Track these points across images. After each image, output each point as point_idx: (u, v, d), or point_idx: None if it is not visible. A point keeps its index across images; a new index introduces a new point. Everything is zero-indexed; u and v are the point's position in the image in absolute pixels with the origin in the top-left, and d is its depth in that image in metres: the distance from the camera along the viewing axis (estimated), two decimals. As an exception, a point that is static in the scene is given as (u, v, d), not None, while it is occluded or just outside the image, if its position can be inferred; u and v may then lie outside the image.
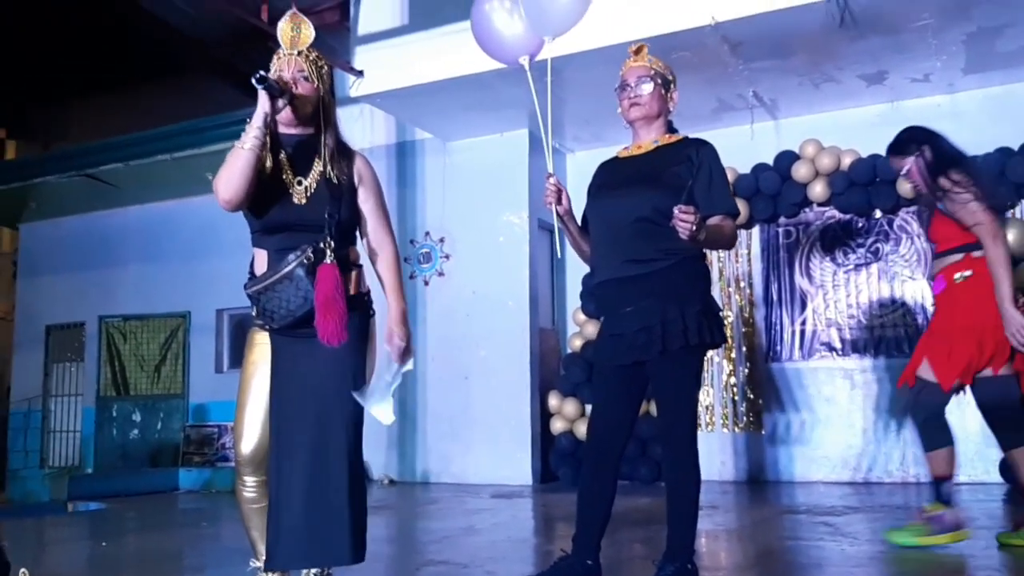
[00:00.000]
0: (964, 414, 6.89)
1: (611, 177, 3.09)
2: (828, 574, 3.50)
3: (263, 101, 2.53)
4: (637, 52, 3.11)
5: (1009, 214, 6.81)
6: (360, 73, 7.21)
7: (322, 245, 2.56)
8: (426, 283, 8.28)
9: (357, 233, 2.80)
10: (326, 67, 2.77)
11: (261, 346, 2.69)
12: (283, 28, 2.71)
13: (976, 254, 3.82)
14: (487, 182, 8.09)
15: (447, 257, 8.24)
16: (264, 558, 2.62)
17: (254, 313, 2.67)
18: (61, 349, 10.90)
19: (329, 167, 2.68)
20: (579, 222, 3.17)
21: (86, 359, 10.46)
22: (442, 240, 8.27)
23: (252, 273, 2.69)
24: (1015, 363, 3.87)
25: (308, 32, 2.73)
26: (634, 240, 2.89)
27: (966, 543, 3.94)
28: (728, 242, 2.95)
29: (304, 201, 2.63)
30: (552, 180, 3.03)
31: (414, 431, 8.17)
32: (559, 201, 3.02)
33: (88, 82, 11.11)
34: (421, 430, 8.11)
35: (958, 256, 3.88)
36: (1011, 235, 6.51)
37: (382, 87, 7.17)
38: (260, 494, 2.70)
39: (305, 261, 2.53)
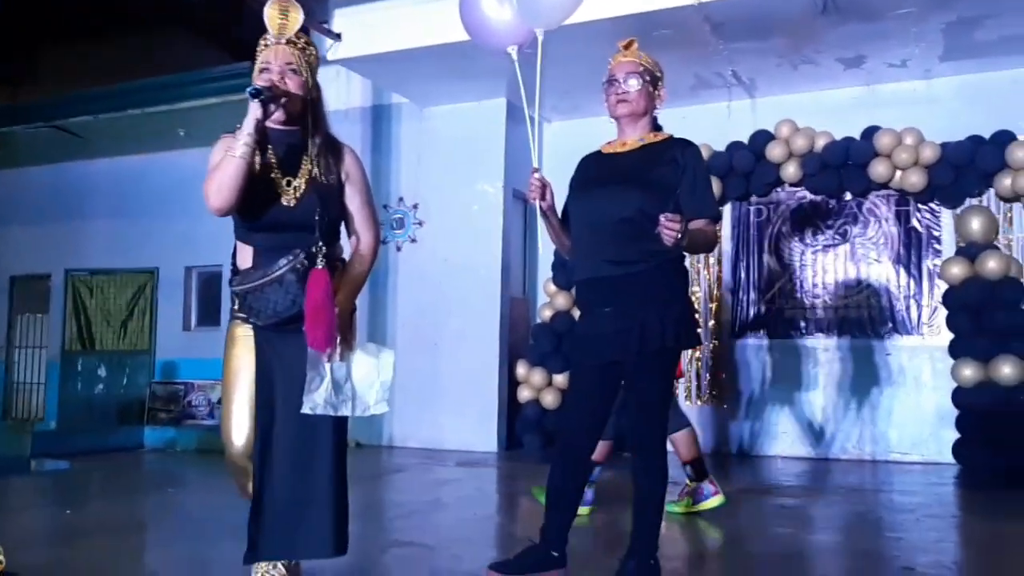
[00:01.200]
0: (920, 396, 7.10)
1: (595, 174, 3.06)
2: (788, 566, 3.60)
3: (255, 109, 2.48)
4: (627, 47, 3.07)
5: (976, 201, 6.92)
6: (338, 36, 7.10)
7: (313, 249, 2.55)
8: (398, 249, 8.27)
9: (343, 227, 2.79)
10: (315, 57, 2.70)
11: (244, 338, 2.66)
12: (270, 14, 2.61)
13: None
14: (463, 150, 8.05)
15: (420, 223, 8.21)
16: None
17: (236, 307, 2.65)
18: (26, 300, 10.76)
19: (318, 166, 2.65)
20: (560, 215, 3.14)
21: (51, 312, 10.35)
22: (415, 206, 8.24)
23: (235, 266, 2.67)
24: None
25: (296, 17, 2.62)
26: (616, 240, 2.89)
27: (919, 529, 4.06)
28: (709, 245, 2.99)
29: (293, 203, 2.60)
30: (537, 175, 3.00)
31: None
32: (543, 196, 2.99)
33: (61, 30, 10.82)
34: (390, 394, 8.14)
35: None
36: (977, 223, 6.66)
37: (360, 51, 7.08)
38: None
39: (298, 267, 2.52)
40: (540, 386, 7.70)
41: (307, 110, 2.65)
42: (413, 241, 8.22)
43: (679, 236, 2.60)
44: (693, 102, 7.76)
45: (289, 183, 2.61)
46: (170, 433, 8.28)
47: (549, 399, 7.67)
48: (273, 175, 2.60)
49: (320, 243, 2.55)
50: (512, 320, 8.11)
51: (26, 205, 10.51)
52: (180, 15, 9.35)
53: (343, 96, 8.44)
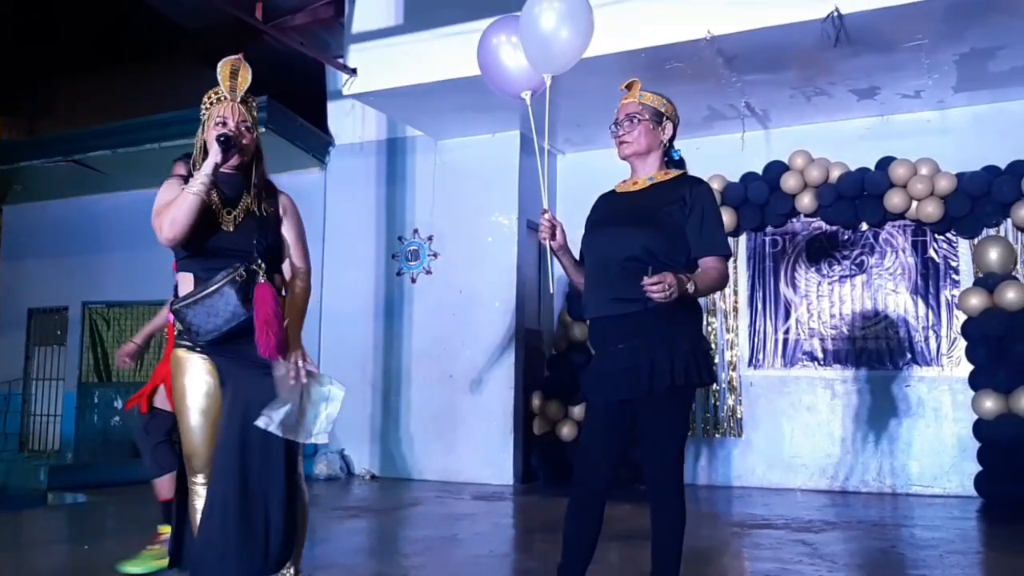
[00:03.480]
0: (941, 428, 7.02)
1: (606, 213, 3.09)
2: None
3: (216, 154, 2.75)
4: (628, 87, 3.10)
5: (994, 232, 6.89)
6: (353, 71, 7.17)
7: (254, 267, 2.77)
8: (413, 280, 8.29)
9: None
10: (256, 111, 2.97)
11: (190, 364, 2.83)
12: (222, 72, 2.87)
13: None
14: (477, 182, 8.09)
15: (435, 255, 8.23)
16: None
17: (179, 329, 2.82)
18: (43, 333, 10.82)
19: (256, 200, 2.92)
20: (576, 255, 3.15)
21: (68, 344, 10.40)
22: (430, 238, 8.27)
23: (175, 296, 2.89)
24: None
25: (246, 76, 2.90)
26: (624, 278, 2.88)
27: (942, 566, 4.00)
28: (720, 284, 2.95)
29: (232, 228, 2.84)
30: (547, 216, 3.01)
31: (397, 427, 8.19)
32: (553, 236, 3.01)
33: (78, 63, 10.96)
34: (404, 426, 8.14)
35: None
36: (995, 254, 6.62)
37: (374, 86, 7.13)
38: None
39: (237, 279, 2.72)
40: (556, 418, 7.68)
41: (252, 160, 2.94)
42: (428, 273, 8.23)
43: (669, 293, 2.63)
44: (707, 133, 7.78)
45: (229, 212, 2.86)
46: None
47: (565, 431, 7.64)
48: (214, 206, 2.82)
49: (260, 261, 2.80)
50: (527, 352, 8.09)
51: (44, 239, 10.61)
52: (198, 48, 9.46)
53: (358, 130, 8.51)
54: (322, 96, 8.83)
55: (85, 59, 10.89)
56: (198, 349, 2.81)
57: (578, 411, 7.68)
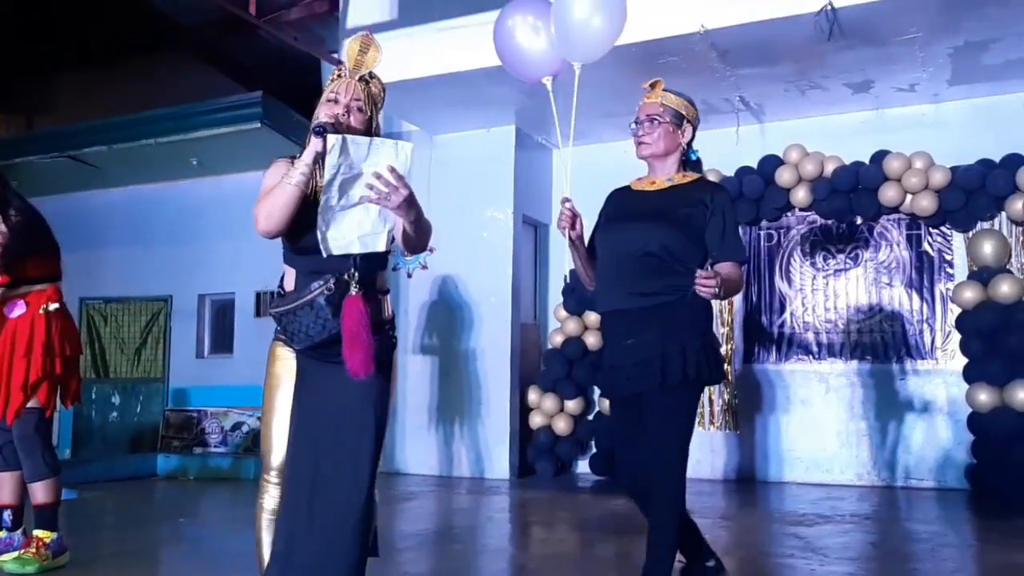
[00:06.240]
0: (934, 421, 7.04)
1: (623, 209, 3.13)
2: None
3: (316, 144, 2.49)
4: (652, 87, 3.13)
5: (988, 225, 6.90)
6: (347, 66, 7.16)
7: (346, 276, 2.54)
8: (409, 276, 8.29)
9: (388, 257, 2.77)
10: (382, 94, 2.73)
11: (284, 360, 2.71)
12: (350, 47, 2.67)
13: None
14: (472, 177, 8.09)
15: (431, 250, 8.21)
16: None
17: (278, 328, 2.69)
18: (41, 329, 10.82)
19: None
20: (587, 246, 3.19)
21: (66, 339, 10.40)
22: (428, 232, 8.25)
23: (281, 288, 2.71)
24: (40, 397, 3.90)
25: (376, 56, 2.67)
26: (640, 273, 2.94)
27: (934, 559, 4.02)
28: (738, 289, 3.03)
29: None
30: (568, 205, 3.04)
31: (393, 421, 8.20)
32: (573, 226, 3.03)
33: (74, 58, 10.95)
34: (400, 421, 8.15)
35: None
36: (989, 247, 6.64)
37: (369, 81, 7.12)
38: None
39: (327, 292, 2.52)
40: (552, 412, 7.70)
41: None
42: (424, 268, 8.24)
43: (717, 290, 2.70)
44: (701, 127, 7.57)
45: None
46: (183, 461, 8.29)
47: (561, 425, 7.66)
48: (313, 199, 2.59)
49: (353, 270, 2.54)
50: (523, 346, 8.10)
51: (41, 234, 10.60)
52: (193, 44, 9.46)
53: (353, 124, 8.50)
54: (317, 91, 8.77)
55: (82, 55, 10.89)
56: (293, 348, 2.67)
57: (574, 405, 7.70)
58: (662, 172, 3.10)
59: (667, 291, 2.88)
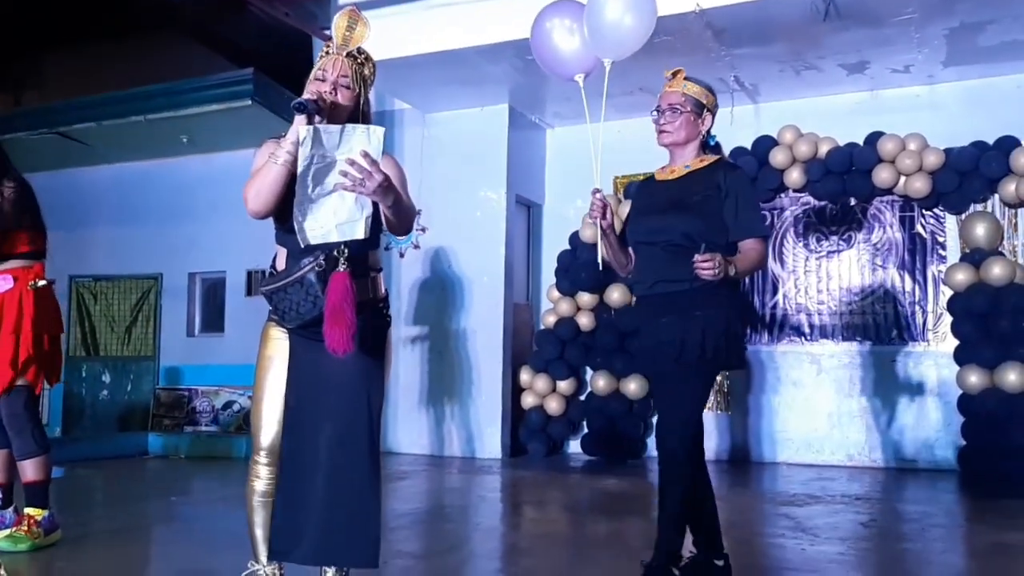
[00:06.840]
0: (925, 402, 7.07)
1: (647, 200, 3.23)
2: (787, 576, 3.58)
3: (299, 120, 2.46)
4: (673, 76, 3.16)
5: (981, 207, 6.90)
6: (339, 43, 7.09)
7: (335, 252, 2.53)
8: (401, 255, 8.25)
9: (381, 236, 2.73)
10: (371, 71, 2.70)
11: (276, 340, 2.70)
12: (337, 23, 2.63)
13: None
14: (466, 156, 8.04)
15: (423, 230, 8.19)
16: (264, 557, 2.66)
17: (270, 307, 2.68)
18: (30, 306, 10.76)
19: None
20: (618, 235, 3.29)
21: (55, 317, 10.35)
22: (419, 212, 8.22)
23: (273, 268, 2.70)
24: (28, 375, 3.87)
25: (363, 32, 2.63)
26: (666, 262, 3.03)
27: (924, 539, 4.04)
28: (760, 264, 3.08)
29: None
30: (599, 195, 3.12)
31: (386, 401, 8.17)
32: (603, 216, 3.10)
33: (63, 35, 10.83)
34: (393, 401, 8.14)
35: None
36: (981, 229, 6.64)
37: (361, 58, 7.06)
38: (274, 487, 2.68)
39: (317, 268, 2.52)
40: (544, 392, 7.70)
41: (353, 119, 2.61)
42: (416, 247, 8.20)
43: (717, 271, 2.79)
44: None
45: None
46: (174, 439, 8.28)
47: (553, 405, 7.67)
48: None
49: (343, 247, 2.52)
50: (515, 326, 8.10)
51: (30, 211, 10.51)
52: (183, 21, 9.36)
53: (345, 102, 8.44)
54: (309, 68, 8.68)
55: (71, 31, 10.78)
56: (289, 330, 2.66)
57: (566, 386, 7.71)
58: (681, 160, 3.16)
59: (693, 277, 2.92)
